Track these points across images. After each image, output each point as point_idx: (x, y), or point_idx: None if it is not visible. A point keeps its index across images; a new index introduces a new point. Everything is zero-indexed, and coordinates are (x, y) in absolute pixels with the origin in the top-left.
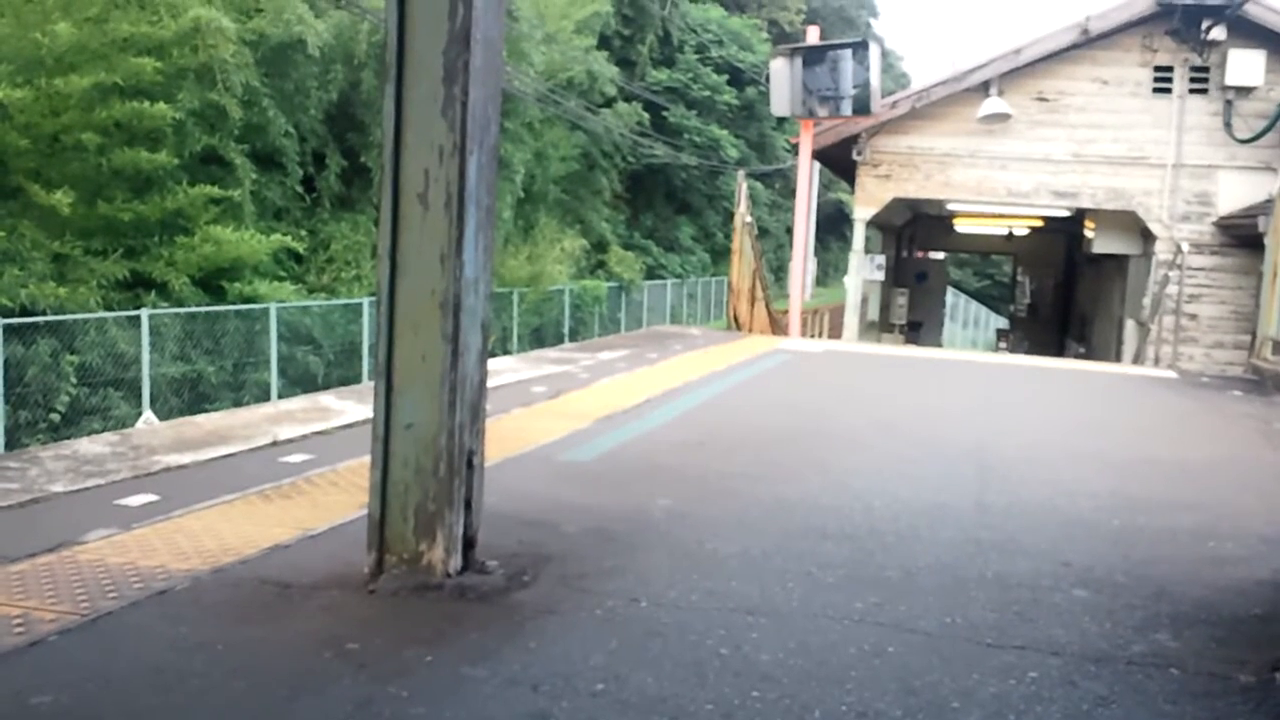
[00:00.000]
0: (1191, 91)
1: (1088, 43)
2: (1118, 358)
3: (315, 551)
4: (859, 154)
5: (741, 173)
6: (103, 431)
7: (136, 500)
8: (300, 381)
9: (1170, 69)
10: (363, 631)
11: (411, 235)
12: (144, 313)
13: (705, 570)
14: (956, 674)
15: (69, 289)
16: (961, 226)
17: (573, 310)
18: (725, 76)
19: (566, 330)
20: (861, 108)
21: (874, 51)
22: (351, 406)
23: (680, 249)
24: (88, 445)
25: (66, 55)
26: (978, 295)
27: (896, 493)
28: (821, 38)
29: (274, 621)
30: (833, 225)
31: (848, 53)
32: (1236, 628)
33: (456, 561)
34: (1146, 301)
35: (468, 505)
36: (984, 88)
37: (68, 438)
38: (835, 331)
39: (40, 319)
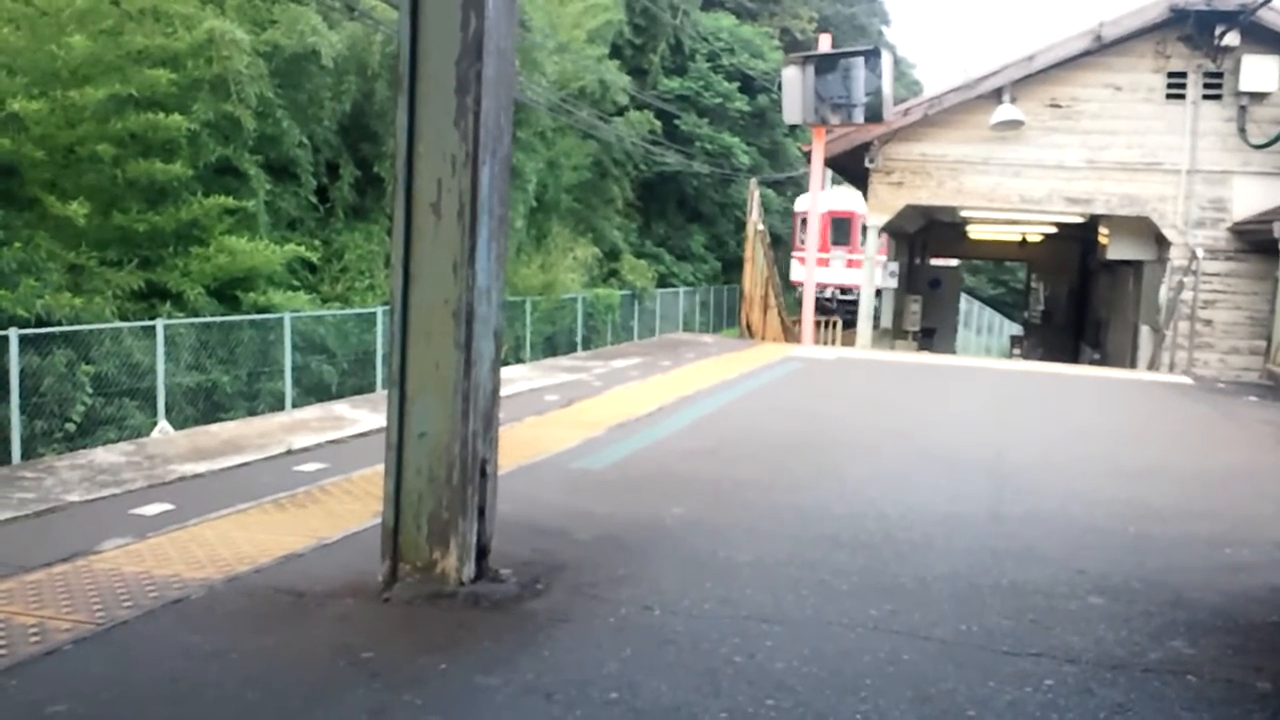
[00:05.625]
0: (1205, 97)
1: (1101, 49)
2: (1133, 364)
3: (329, 560)
4: (871, 161)
5: (753, 180)
6: (118, 441)
7: (152, 509)
8: (314, 391)
9: (1184, 75)
10: (377, 640)
11: (425, 245)
12: (159, 323)
13: (718, 578)
14: (972, 682)
15: (84, 299)
16: (975, 233)
17: (585, 319)
18: (737, 84)
19: (579, 339)
20: (874, 115)
21: (886, 59)
22: (365, 415)
23: (692, 257)
24: (103, 455)
25: (82, 67)
26: (991, 302)
27: (911, 501)
28: (833, 45)
29: (288, 630)
30: None
31: (860, 60)
32: (1253, 635)
33: (470, 570)
34: (1161, 307)
35: (481, 513)
36: (997, 94)
37: (83, 447)
38: (848, 338)
39: (56, 329)
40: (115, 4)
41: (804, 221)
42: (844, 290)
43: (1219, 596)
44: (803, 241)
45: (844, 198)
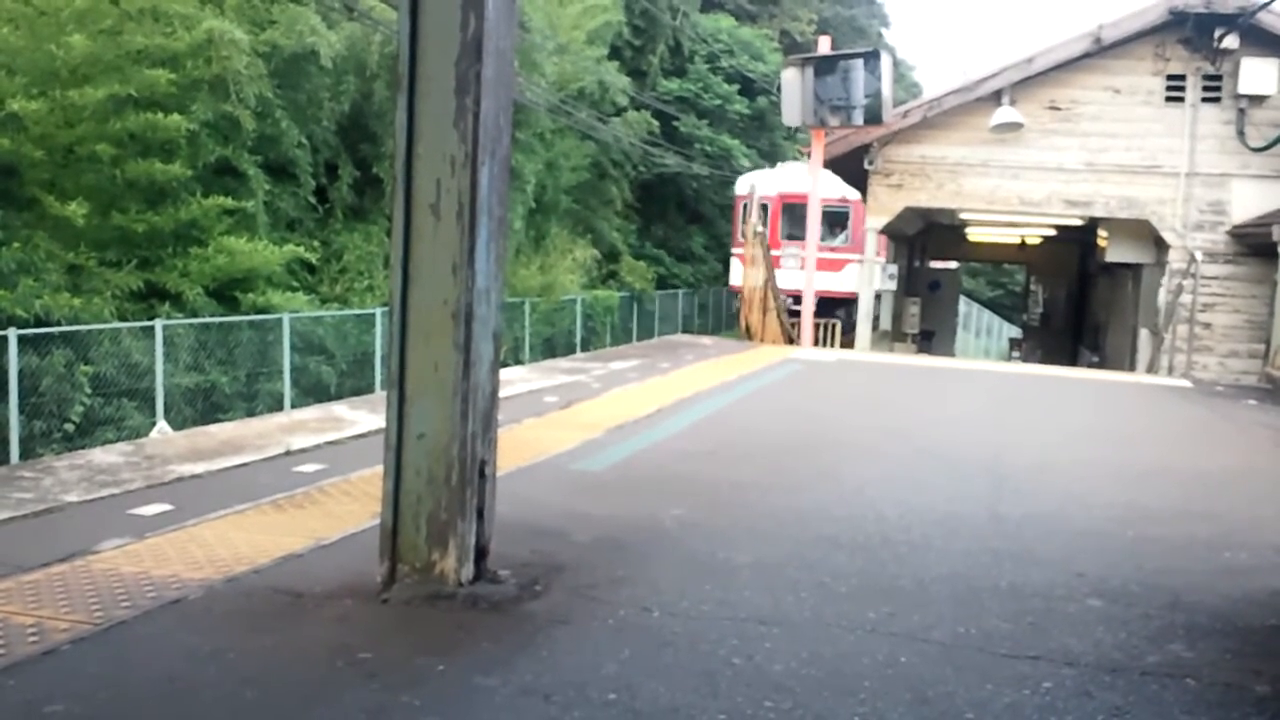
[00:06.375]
0: (1204, 100)
1: (1100, 51)
2: (1132, 367)
3: (328, 561)
4: (870, 163)
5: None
6: (117, 441)
7: (150, 510)
8: (313, 391)
9: (1183, 77)
10: (375, 641)
11: (424, 245)
12: (158, 323)
13: (717, 580)
14: (970, 684)
15: (83, 300)
16: (974, 235)
17: (584, 320)
18: (736, 86)
19: (578, 340)
20: (873, 117)
21: (885, 61)
22: (364, 416)
23: (692, 258)
24: (102, 455)
25: (81, 67)
26: (990, 304)
27: (910, 502)
28: (833, 47)
29: (287, 630)
30: None
31: (859, 62)
32: (1251, 638)
33: (469, 571)
34: (1160, 310)
35: (480, 514)
36: (996, 97)
37: (82, 448)
38: (846, 341)
39: (55, 329)
40: (114, 4)
41: (745, 208)
42: (797, 299)
43: (1218, 599)
44: (743, 236)
45: (799, 176)
